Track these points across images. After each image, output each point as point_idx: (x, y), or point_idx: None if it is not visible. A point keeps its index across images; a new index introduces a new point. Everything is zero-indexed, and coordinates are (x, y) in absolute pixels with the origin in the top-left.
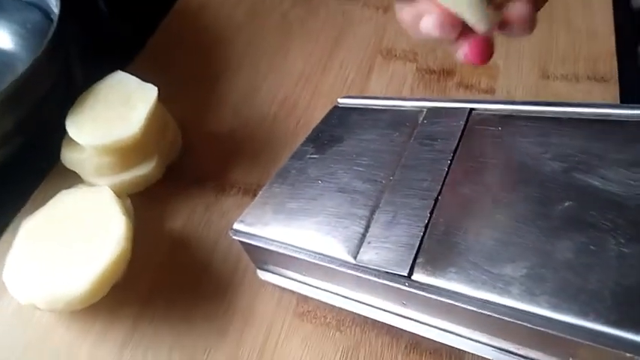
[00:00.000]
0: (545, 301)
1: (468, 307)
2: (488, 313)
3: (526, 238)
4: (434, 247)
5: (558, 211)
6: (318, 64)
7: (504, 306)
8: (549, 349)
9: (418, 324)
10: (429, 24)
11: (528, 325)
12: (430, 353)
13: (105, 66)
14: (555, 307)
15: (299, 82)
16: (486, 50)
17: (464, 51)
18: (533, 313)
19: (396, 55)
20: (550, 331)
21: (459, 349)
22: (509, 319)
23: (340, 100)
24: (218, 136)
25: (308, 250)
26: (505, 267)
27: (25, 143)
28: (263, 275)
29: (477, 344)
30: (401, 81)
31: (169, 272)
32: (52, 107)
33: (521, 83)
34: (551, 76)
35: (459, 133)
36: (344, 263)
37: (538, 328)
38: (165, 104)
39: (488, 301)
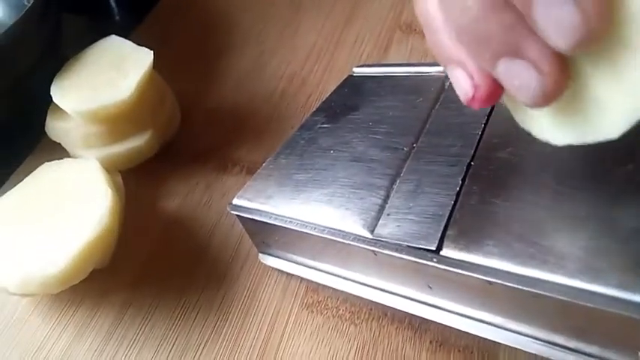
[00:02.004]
0: (614, 278)
1: (511, 285)
2: (538, 292)
3: (582, 206)
4: (467, 218)
5: (620, 174)
6: (331, 38)
7: (559, 284)
8: (613, 338)
9: (445, 312)
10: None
11: (590, 306)
12: (459, 350)
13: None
14: (627, 285)
15: (310, 56)
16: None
17: (472, 90)
18: (597, 292)
19: (416, 30)
20: (622, 313)
21: (493, 344)
22: (566, 299)
23: (355, 70)
24: (220, 112)
25: (317, 225)
26: (558, 239)
27: (10, 116)
28: (266, 260)
29: (516, 336)
30: (421, 57)
31: (161, 257)
32: (41, 79)
33: None
34: None
35: None
36: (359, 238)
37: (604, 309)
38: (165, 77)
39: (537, 278)
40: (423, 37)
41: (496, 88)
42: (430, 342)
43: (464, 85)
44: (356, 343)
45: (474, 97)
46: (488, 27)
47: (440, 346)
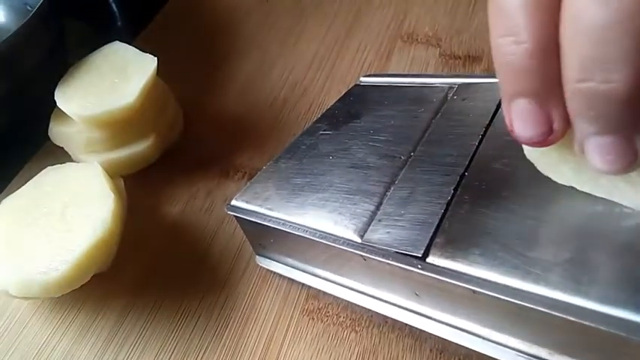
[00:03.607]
0: (596, 292)
1: (494, 295)
2: (518, 302)
3: (572, 218)
4: (456, 227)
5: None
6: (332, 47)
7: (541, 296)
8: (596, 353)
9: (432, 321)
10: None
11: (571, 319)
12: (460, 359)
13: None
14: (608, 299)
15: (312, 65)
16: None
17: (546, 133)
18: (579, 306)
19: (417, 40)
20: (602, 328)
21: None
22: (547, 311)
23: (362, 79)
24: (223, 119)
25: (310, 228)
26: (544, 250)
27: (14, 120)
28: (262, 262)
29: (501, 347)
30: (423, 66)
31: (163, 262)
32: (44, 83)
33: None
34: None
35: (495, 108)
36: (348, 242)
37: (585, 322)
38: (168, 84)
39: (520, 289)
40: (424, 47)
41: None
42: (430, 350)
43: (539, 125)
44: (356, 350)
45: (542, 141)
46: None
47: (440, 354)
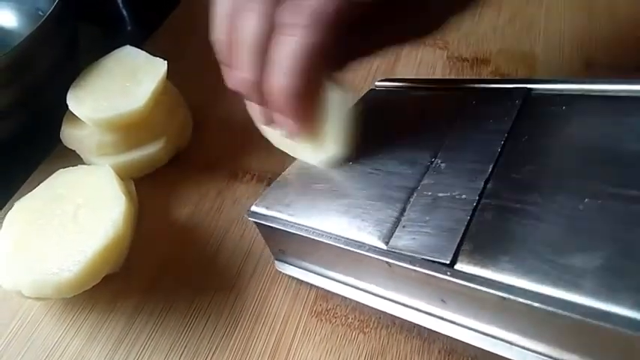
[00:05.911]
0: (629, 298)
1: (525, 302)
2: (552, 310)
3: (601, 225)
4: (483, 233)
5: None
6: None
7: (573, 302)
8: None
9: (459, 327)
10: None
11: (604, 326)
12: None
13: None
14: None
15: None
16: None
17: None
18: (612, 313)
19: (425, 42)
20: (636, 334)
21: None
22: (580, 318)
23: (378, 84)
24: (232, 121)
25: (333, 234)
26: (574, 257)
27: (26, 123)
28: (281, 267)
29: (529, 353)
30: (430, 69)
31: (173, 263)
32: (57, 87)
33: (563, 73)
34: (596, 65)
35: (515, 113)
36: (373, 249)
37: (618, 329)
38: (178, 87)
39: (551, 296)
40: (431, 50)
41: None
42: (439, 351)
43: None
44: (365, 351)
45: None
46: None
47: (448, 355)
